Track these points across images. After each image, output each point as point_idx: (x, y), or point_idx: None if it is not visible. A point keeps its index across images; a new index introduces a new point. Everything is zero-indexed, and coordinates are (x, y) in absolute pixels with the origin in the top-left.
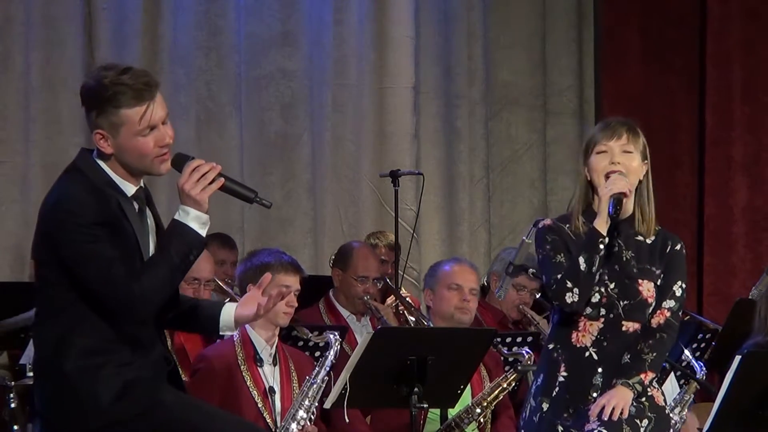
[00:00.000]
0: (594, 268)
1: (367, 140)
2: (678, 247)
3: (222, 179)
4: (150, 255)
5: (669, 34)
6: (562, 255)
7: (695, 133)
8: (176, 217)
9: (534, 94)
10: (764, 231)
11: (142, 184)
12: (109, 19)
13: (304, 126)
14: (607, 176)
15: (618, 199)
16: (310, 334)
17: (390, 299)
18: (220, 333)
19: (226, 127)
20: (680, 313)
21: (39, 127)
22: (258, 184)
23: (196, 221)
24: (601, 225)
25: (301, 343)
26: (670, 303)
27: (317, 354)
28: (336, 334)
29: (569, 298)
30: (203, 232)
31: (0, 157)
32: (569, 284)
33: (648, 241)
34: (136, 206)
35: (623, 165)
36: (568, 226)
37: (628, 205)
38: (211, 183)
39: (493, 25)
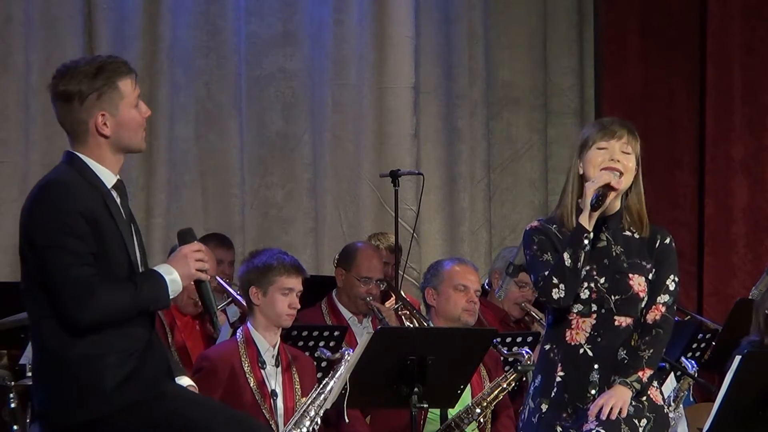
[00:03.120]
0: (579, 264)
1: (367, 140)
2: (667, 240)
3: (208, 277)
4: (129, 244)
5: (669, 34)
6: (549, 254)
7: (695, 134)
8: (160, 270)
9: (534, 94)
10: (764, 231)
11: (119, 177)
12: (109, 19)
13: (305, 126)
14: (606, 168)
15: (603, 194)
16: (328, 354)
17: (390, 301)
18: None
19: (226, 127)
20: (675, 307)
21: (39, 127)
22: (259, 185)
23: (173, 284)
24: (585, 220)
25: (301, 343)
26: (664, 298)
27: (316, 355)
28: (350, 349)
29: (556, 294)
30: (171, 297)
31: (0, 157)
32: (555, 280)
33: (636, 235)
34: (117, 199)
35: (622, 164)
36: (555, 226)
37: (615, 203)
38: (202, 271)
39: (494, 25)
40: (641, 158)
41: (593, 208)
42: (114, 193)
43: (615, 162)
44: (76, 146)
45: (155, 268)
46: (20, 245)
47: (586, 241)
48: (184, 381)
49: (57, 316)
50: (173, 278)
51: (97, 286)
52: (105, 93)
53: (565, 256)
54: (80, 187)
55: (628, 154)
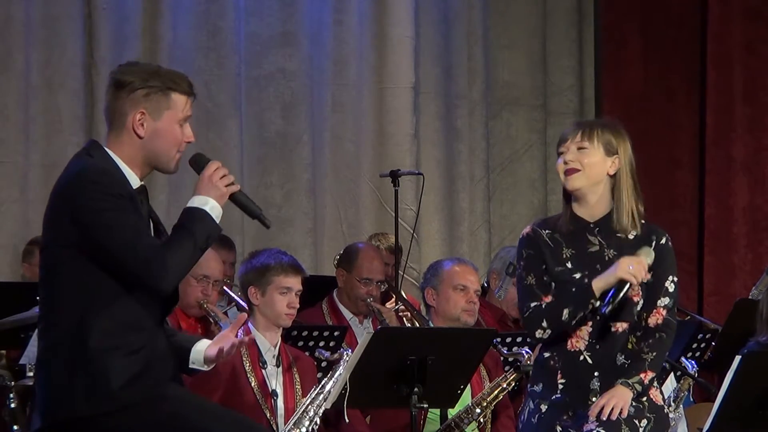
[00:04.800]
0: (575, 321)
1: (367, 140)
2: (663, 241)
3: (238, 186)
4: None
5: (669, 34)
6: (533, 276)
7: (696, 133)
8: (195, 204)
9: (534, 94)
10: (764, 231)
11: (143, 183)
12: (109, 19)
13: (304, 126)
14: (566, 173)
15: (619, 289)
16: (326, 354)
17: (391, 302)
18: (189, 366)
19: (225, 127)
20: (676, 309)
21: (39, 127)
22: (258, 184)
23: (214, 211)
24: (599, 286)
25: (301, 343)
26: (665, 300)
27: (315, 355)
28: (349, 350)
29: (539, 334)
30: (218, 222)
31: (0, 157)
32: (545, 324)
33: (630, 237)
34: (140, 201)
35: (578, 162)
36: (548, 231)
37: (604, 204)
38: (231, 184)
39: (493, 25)
40: (625, 153)
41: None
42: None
43: (568, 163)
44: (109, 139)
45: (191, 205)
46: (47, 229)
47: (590, 306)
48: (202, 344)
49: (136, 288)
50: (212, 206)
51: (165, 250)
52: (154, 94)
53: (565, 312)
54: (115, 174)
55: (584, 149)
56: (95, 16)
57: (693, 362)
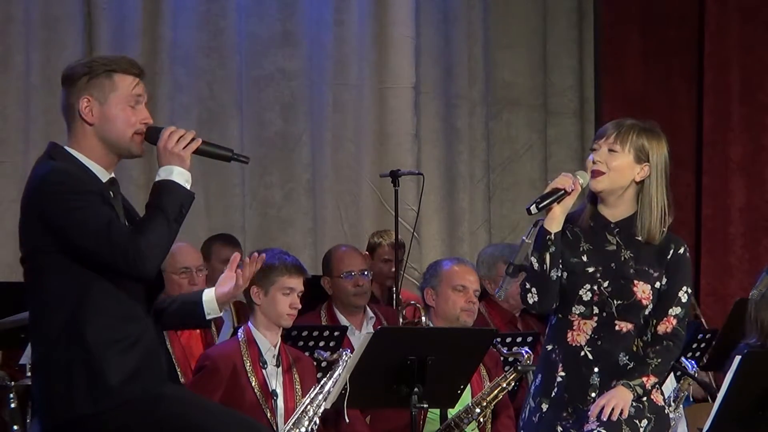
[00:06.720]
0: (545, 266)
1: (367, 140)
2: (681, 250)
3: (200, 140)
4: None
5: (669, 35)
6: None
7: (694, 134)
8: (160, 177)
9: (534, 94)
10: (761, 231)
11: (113, 175)
12: (109, 19)
13: (304, 126)
14: (592, 173)
15: (546, 194)
16: (326, 354)
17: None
18: (207, 317)
19: (226, 127)
20: (686, 320)
21: (39, 127)
22: (258, 185)
23: (181, 178)
24: (549, 222)
25: (301, 343)
26: (676, 310)
27: (315, 356)
28: (348, 351)
29: (530, 298)
30: (188, 188)
31: (0, 157)
32: (527, 285)
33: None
34: (111, 194)
35: (604, 163)
36: (568, 225)
37: (624, 207)
38: (190, 143)
39: (494, 25)
40: (657, 160)
41: (539, 210)
42: (108, 190)
43: (595, 163)
44: (68, 138)
45: (158, 180)
46: (25, 240)
47: (549, 243)
48: (209, 292)
49: (122, 279)
50: (178, 172)
51: (137, 236)
52: (96, 78)
53: (532, 259)
54: (79, 173)
55: (614, 152)
56: (95, 16)
57: (693, 362)
